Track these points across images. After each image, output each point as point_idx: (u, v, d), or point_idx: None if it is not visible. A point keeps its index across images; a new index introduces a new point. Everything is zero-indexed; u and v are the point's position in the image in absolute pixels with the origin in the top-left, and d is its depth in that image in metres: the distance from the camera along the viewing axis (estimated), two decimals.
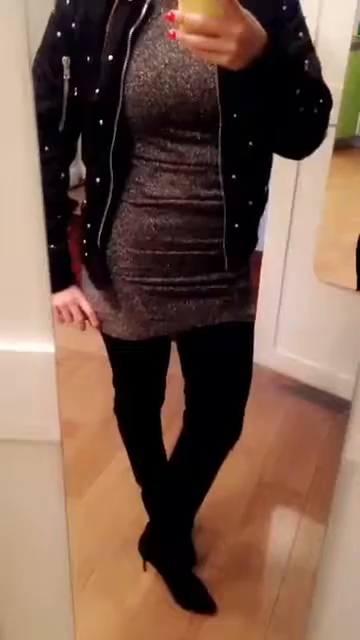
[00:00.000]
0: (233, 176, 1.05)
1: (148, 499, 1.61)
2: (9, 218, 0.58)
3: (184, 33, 0.79)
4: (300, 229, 2.08)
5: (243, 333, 1.26)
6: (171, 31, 0.81)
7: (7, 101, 0.53)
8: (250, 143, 1.04)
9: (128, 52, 0.96)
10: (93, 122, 1.02)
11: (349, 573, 0.78)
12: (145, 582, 1.57)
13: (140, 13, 0.96)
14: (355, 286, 2.09)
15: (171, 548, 1.58)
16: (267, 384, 2.23)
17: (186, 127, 1.01)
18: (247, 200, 1.10)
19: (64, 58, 1.03)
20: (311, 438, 2.10)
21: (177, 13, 0.78)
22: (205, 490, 1.47)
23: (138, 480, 1.60)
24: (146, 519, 1.61)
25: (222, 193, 1.06)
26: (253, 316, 1.26)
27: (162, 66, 0.97)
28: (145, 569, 1.59)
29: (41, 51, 1.06)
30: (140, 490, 1.61)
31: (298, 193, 2.01)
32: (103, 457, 1.91)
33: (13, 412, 0.64)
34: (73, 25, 1.00)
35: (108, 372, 1.41)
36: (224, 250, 1.12)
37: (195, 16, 0.77)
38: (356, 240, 2.06)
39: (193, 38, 0.78)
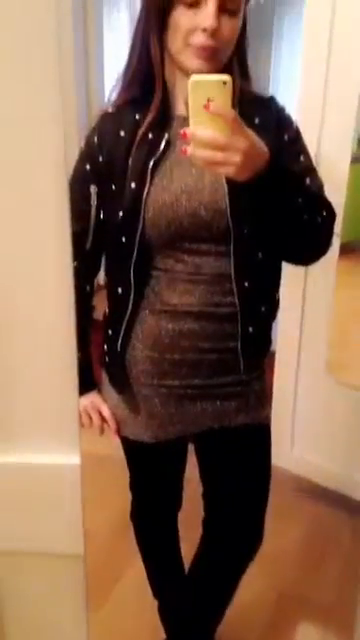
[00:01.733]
0: (246, 284, 1.10)
1: (165, 614, 1.54)
2: (42, 334, 0.61)
3: (194, 149, 0.89)
4: (311, 330, 2.11)
5: (260, 435, 1.27)
6: (183, 147, 0.91)
7: (48, 234, 0.58)
8: (260, 254, 1.11)
9: (149, 180, 1.06)
10: (116, 240, 1.11)
11: None
12: None
13: (159, 147, 1.07)
14: None
15: None
16: (285, 487, 2.18)
17: (200, 242, 1.08)
18: (260, 306, 1.15)
19: (92, 187, 1.14)
20: (333, 545, 2.02)
21: (188, 130, 0.88)
22: (226, 604, 1.41)
23: (155, 594, 1.54)
24: (163, 635, 1.53)
25: (236, 300, 1.11)
26: (269, 417, 1.27)
27: (178, 191, 1.06)
28: None
29: (71, 180, 1.16)
30: (157, 603, 1.54)
31: (308, 295, 2.07)
32: (119, 567, 1.84)
33: (36, 525, 0.64)
34: (100, 159, 1.12)
35: (124, 476, 1.39)
36: (240, 354, 1.15)
37: (204, 132, 0.87)
38: None
39: (202, 152, 0.88)
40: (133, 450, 1.31)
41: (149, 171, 1.06)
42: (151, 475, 1.38)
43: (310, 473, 2.23)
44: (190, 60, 1.02)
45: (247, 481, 1.28)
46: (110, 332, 1.20)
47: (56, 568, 0.66)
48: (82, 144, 1.16)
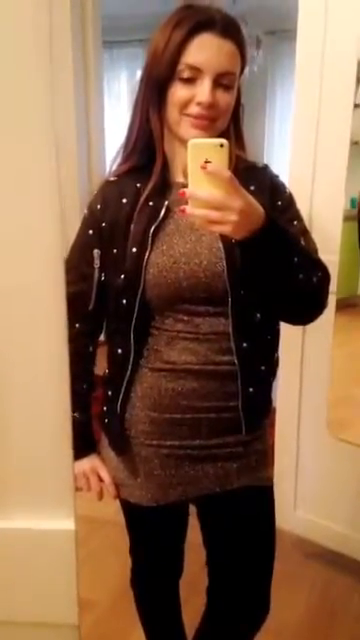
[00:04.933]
0: (244, 344, 1.11)
1: None
2: (36, 397, 0.61)
3: (192, 208, 0.92)
4: (311, 388, 2.11)
5: (263, 497, 1.24)
6: (182, 207, 0.94)
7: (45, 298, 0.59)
8: (258, 315, 1.12)
9: (149, 245, 1.09)
10: (117, 301, 1.13)
11: None
12: None
13: (159, 214, 1.11)
14: None
15: None
16: (289, 550, 2.12)
17: (199, 303, 1.10)
18: (260, 365, 1.16)
19: (95, 251, 1.17)
20: (341, 611, 1.94)
21: (187, 191, 0.92)
22: None
23: None
24: None
25: (235, 360, 1.11)
26: (271, 478, 1.24)
27: (178, 255, 1.09)
28: None
29: (75, 245, 1.21)
30: None
31: (306, 352, 2.07)
32: (118, 638, 1.76)
33: (28, 593, 0.62)
34: (103, 224, 1.16)
35: (123, 540, 1.36)
36: (241, 413, 1.14)
37: (202, 192, 0.91)
38: None
39: (200, 211, 0.92)
40: (133, 514, 1.29)
41: (150, 236, 1.09)
42: (151, 540, 1.35)
43: (316, 535, 2.17)
44: (186, 130, 1.06)
45: (251, 547, 1.24)
46: (110, 393, 1.20)
47: (50, 638, 0.64)
48: (85, 211, 1.20)
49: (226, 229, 0.93)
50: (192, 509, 1.30)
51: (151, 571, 1.41)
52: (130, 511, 1.28)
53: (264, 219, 0.95)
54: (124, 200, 1.14)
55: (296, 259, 1.03)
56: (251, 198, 0.94)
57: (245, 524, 1.23)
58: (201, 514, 1.29)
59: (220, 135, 1.08)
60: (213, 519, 1.27)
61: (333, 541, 2.13)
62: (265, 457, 1.23)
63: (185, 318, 1.11)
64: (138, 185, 1.14)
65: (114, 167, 1.19)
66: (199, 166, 0.90)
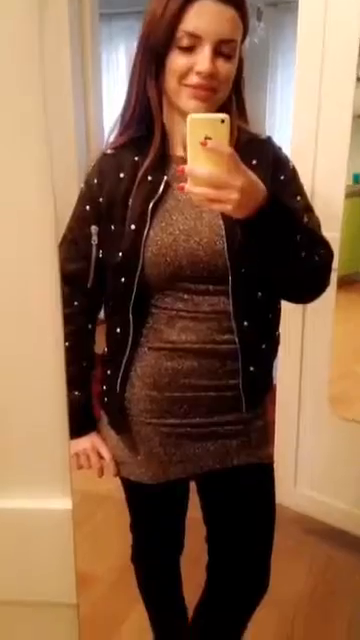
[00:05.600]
0: (245, 323, 1.10)
1: None
2: (31, 376, 0.60)
3: (192, 186, 0.89)
4: (312, 365, 2.10)
5: (263, 474, 1.24)
6: (181, 184, 0.91)
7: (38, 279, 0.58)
8: (259, 293, 1.11)
9: (148, 222, 1.06)
10: (116, 280, 1.11)
11: None
12: None
13: (158, 189, 1.08)
14: None
15: None
16: (290, 526, 2.13)
17: (199, 281, 1.08)
18: (260, 344, 1.14)
19: (92, 227, 1.14)
20: (341, 586, 1.96)
21: (186, 168, 0.89)
22: None
23: (158, 639, 1.48)
24: None
25: (236, 338, 1.10)
26: (272, 456, 1.24)
27: (177, 232, 1.07)
28: None
29: (72, 221, 1.18)
30: None
31: (307, 330, 2.06)
32: (120, 613, 1.79)
33: (26, 573, 0.62)
34: (100, 199, 1.13)
35: (125, 516, 1.36)
36: (241, 392, 1.13)
37: (201, 170, 0.88)
38: None
39: (200, 189, 0.89)
40: (133, 491, 1.29)
41: (149, 213, 1.07)
42: (151, 517, 1.35)
43: (316, 511, 2.18)
44: (186, 101, 1.03)
45: (251, 523, 1.24)
46: (109, 372, 1.19)
47: (48, 617, 0.64)
48: (82, 186, 1.17)
49: (227, 208, 0.90)
50: (192, 486, 1.31)
51: (151, 548, 1.42)
52: (130, 489, 1.28)
53: (266, 197, 0.93)
54: (121, 174, 1.11)
55: (298, 237, 1.00)
56: (253, 175, 0.91)
57: (245, 501, 1.23)
58: (201, 491, 1.29)
59: (221, 106, 1.05)
60: (213, 496, 1.27)
61: (333, 517, 2.14)
62: (265, 434, 1.22)
63: (185, 297, 1.09)
64: (136, 158, 1.10)
65: (111, 139, 1.16)
66: (199, 142, 0.87)
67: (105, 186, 1.12)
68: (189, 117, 0.89)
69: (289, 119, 2.02)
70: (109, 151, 1.14)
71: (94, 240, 1.14)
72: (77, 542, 0.62)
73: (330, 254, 1.09)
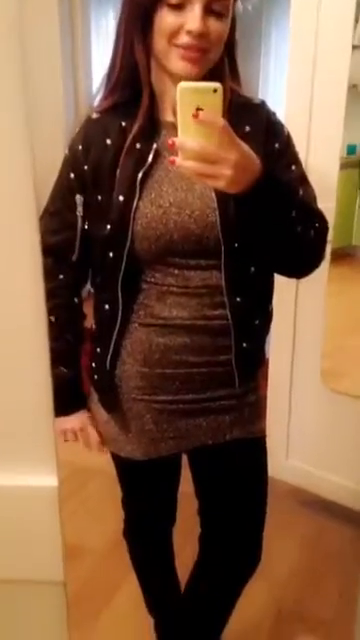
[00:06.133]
0: (238, 299, 1.07)
1: (162, 631, 1.50)
2: (13, 351, 0.58)
3: (183, 159, 0.85)
4: (304, 339, 2.09)
5: (256, 449, 1.23)
6: (171, 158, 0.87)
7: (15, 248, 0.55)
8: (252, 268, 1.08)
9: (137, 193, 1.02)
10: (103, 254, 1.07)
11: None
12: None
13: (147, 158, 1.03)
14: None
15: None
16: (282, 499, 2.14)
17: (190, 256, 1.05)
18: (253, 319, 1.13)
19: (77, 197, 1.09)
20: (333, 558, 1.98)
21: (177, 141, 0.85)
22: (224, 622, 1.37)
23: (150, 611, 1.50)
24: None
25: (228, 314, 1.08)
26: (264, 430, 1.24)
27: (167, 204, 1.03)
28: None
29: (55, 190, 1.12)
30: (153, 621, 1.50)
31: (299, 303, 2.05)
32: (112, 584, 1.80)
33: (13, 550, 0.61)
34: (85, 167, 1.07)
35: (117, 489, 1.36)
36: (234, 367, 1.12)
37: (193, 143, 0.84)
38: None
39: (191, 164, 0.85)
40: (124, 467, 1.28)
41: (138, 184, 1.02)
42: (143, 492, 1.35)
43: (308, 483, 2.20)
44: (175, 62, 0.97)
45: (244, 497, 1.24)
46: (98, 349, 1.16)
47: (35, 595, 0.63)
48: (66, 151, 1.12)
49: (219, 183, 0.87)
50: (185, 460, 1.30)
51: (144, 522, 1.42)
52: (121, 465, 1.27)
53: (261, 171, 0.89)
54: (108, 141, 1.05)
55: (294, 212, 0.97)
56: (247, 149, 0.87)
57: (237, 475, 1.23)
58: (193, 466, 1.28)
59: (213, 69, 1.00)
60: (205, 470, 1.27)
61: (325, 490, 2.15)
62: (258, 409, 1.22)
63: (176, 272, 1.06)
64: (123, 124, 1.04)
65: (96, 103, 1.10)
66: (190, 114, 0.82)
67: (91, 153, 1.06)
68: (179, 86, 0.84)
69: (283, 89, 1.97)
70: (94, 115, 1.08)
71: (79, 211, 1.10)
72: (68, 515, 0.61)
73: (326, 227, 1.07)
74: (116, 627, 1.69)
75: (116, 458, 1.25)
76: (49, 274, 0.68)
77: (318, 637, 1.69)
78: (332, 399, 2.08)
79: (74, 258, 1.13)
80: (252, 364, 1.17)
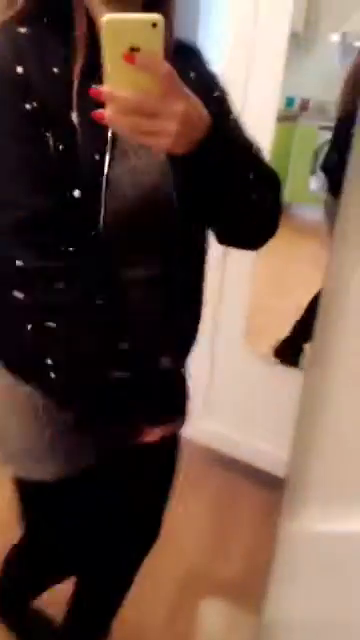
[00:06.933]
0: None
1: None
2: None
3: (114, 114, 0.66)
4: (229, 298, 2.04)
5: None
6: (98, 112, 0.66)
7: None
8: (200, 235, 0.97)
9: (109, 152, 0.79)
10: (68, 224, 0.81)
11: None
12: None
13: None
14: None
15: None
16: (196, 459, 2.11)
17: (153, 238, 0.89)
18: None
19: (47, 134, 0.77)
20: (242, 517, 1.99)
21: (104, 89, 0.65)
22: (128, 586, 1.30)
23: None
24: None
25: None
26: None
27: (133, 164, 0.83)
28: None
29: (6, 136, 0.77)
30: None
31: (228, 260, 1.98)
32: None
33: None
34: (33, 103, 0.76)
35: None
36: None
37: (126, 93, 0.65)
38: (289, 306, 2.03)
39: (125, 119, 0.66)
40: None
41: (109, 137, 0.78)
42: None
43: (224, 445, 2.18)
44: None
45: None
46: None
47: None
48: None
49: (163, 142, 0.68)
50: None
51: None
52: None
53: (210, 125, 0.73)
54: (55, 70, 0.76)
55: (251, 175, 0.83)
56: (195, 98, 0.70)
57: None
58: None
59: None
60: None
61: (243, 452, 2.14)
62: None
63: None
64: (63, 50, 0.77)
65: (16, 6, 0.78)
66: (121, 55, 0.63)
67: (34, 80, 0.74)
68: (104, 18, 0.62)
69: (218, 36, 1.86)
70: (22, 30, 0.77)
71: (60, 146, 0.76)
72: None
73: (279, 189, 0.93)
74: None
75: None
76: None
77: (226, 595, 1.69)
78: (254, 361, 2.05)
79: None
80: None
